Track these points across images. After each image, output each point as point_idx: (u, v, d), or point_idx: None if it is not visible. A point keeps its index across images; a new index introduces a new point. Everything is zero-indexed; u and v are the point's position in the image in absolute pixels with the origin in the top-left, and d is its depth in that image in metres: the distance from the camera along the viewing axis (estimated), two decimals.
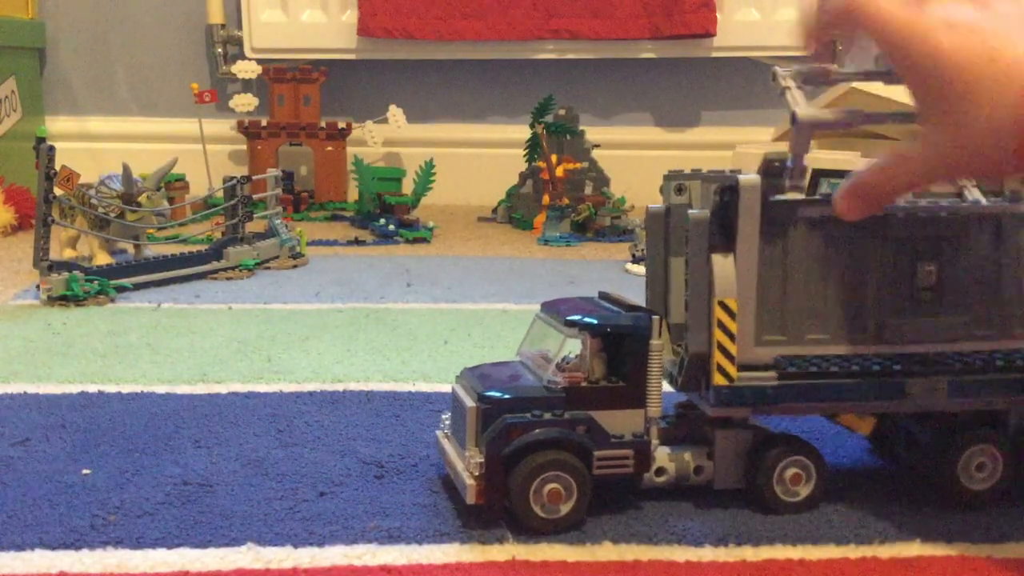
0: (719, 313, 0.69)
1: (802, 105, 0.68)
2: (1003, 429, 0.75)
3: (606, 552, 0.68)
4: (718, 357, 0.70)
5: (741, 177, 0.69)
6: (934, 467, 0.75)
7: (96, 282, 1.44)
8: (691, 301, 0.71)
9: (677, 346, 0.78)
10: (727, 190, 0.69)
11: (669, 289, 0.81)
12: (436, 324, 1.31)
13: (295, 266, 1.72)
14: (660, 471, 0.74)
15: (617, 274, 1.69)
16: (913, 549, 0.69)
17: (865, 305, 0.73)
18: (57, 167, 1.43)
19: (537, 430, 0.69)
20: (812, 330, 0.73)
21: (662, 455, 0.74)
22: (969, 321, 0.74)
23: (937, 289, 0.73)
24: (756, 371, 0.71)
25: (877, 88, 1.97)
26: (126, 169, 1.60)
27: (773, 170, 0.69)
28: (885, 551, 0.69)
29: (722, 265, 0.70)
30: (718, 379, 0.70)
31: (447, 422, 0.79)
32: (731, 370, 0.70)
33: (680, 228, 0.76)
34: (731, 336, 0.70)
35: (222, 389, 1.02)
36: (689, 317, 0.71)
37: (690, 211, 0.71)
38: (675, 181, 0.80)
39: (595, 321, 0.72)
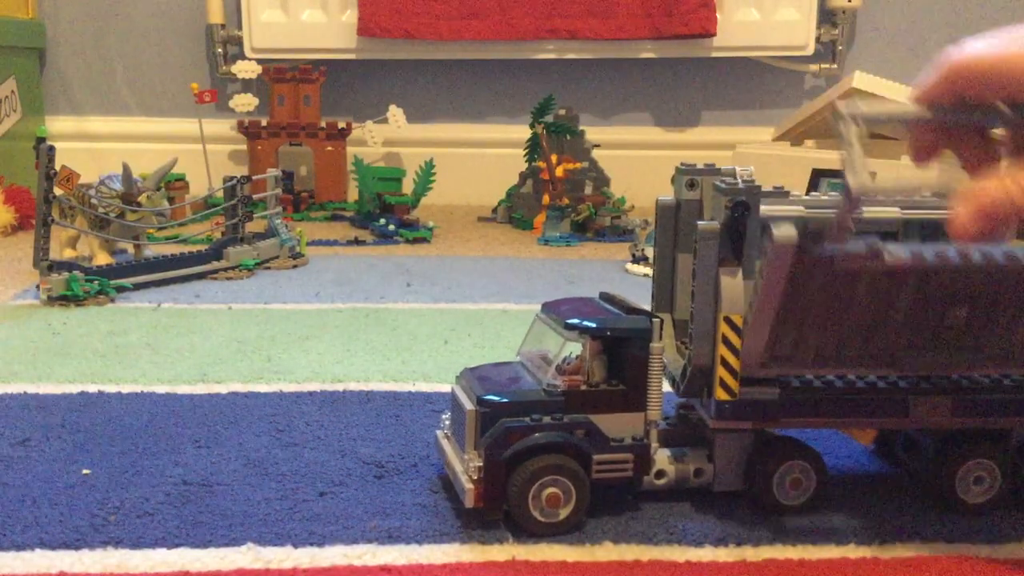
0: (724, 328, 0.69)
1: (860, 171, 0.58)
2: (1005, 444, 0.75)
3: (606, 552, 0.68)
4: (721, 372, 0.69)
5: (775, 230, 0.62)
6: (932, 476, 0.75)
7: (96, 282, 1.44)
8: (696, 313, 0.70)
9: (681, 343, 0.77)
10: (739, 205, 0.68)
11: (676, 284, 0.81)
12: (436, 324, 1.31)
13: (295, 266, 1.72)
14: (660, 474, 0.74)
15: (617, 274, 1.68)
16: (913, 550, 0.69)
17: (883, 344, 0.70)
18: (57, 167, 1.43)
19: (536, 434, 0.69)
20: (823, 365, 0.71)
21: (662, 458, 0.74)
22: (986, 356, 0.72)
23: (961, 331, 0.70)
24: (759, 385, 0.71)
25: (878, 87, 1.97)
26: (126, 169, 1.60)
27: (814, 236, 0.63)
28: (885, 552, 0.69)
29: (730, 281, 0.69)
30: (720, 394, 0.70)
31: (447, 422, 0.79)
32: (734, 385, 0.69)
33: (689, 224, 0.75)
34: (735, 351, 0.69)
35: (222, 389, 1.03)
36: (693, 329, 0.71)
37: (699, 222, 0.70)
38: (687, 176, 0.79)
39: (595, 324, 0.71)
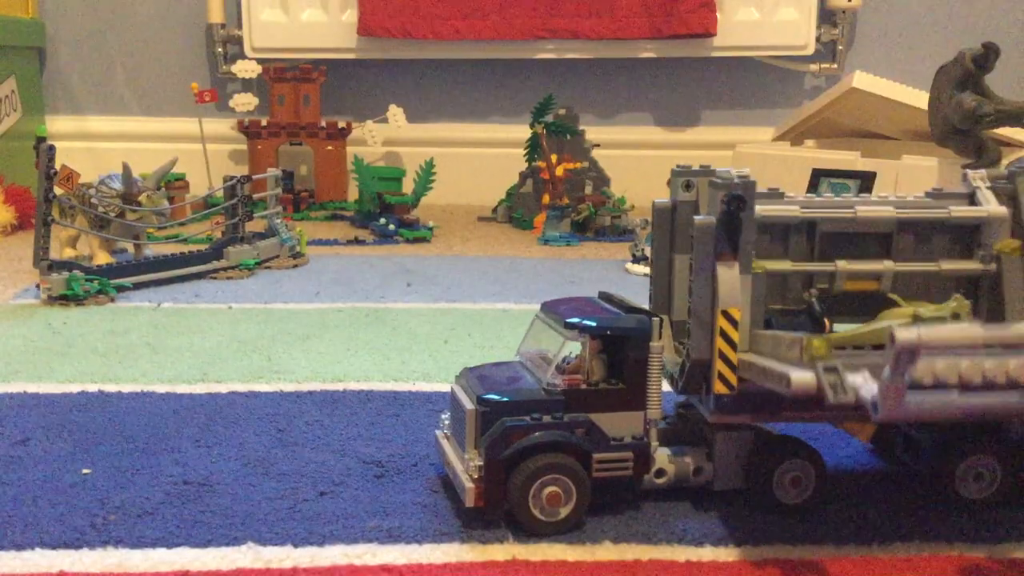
0: (722, 322, 0.69)
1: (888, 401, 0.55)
2: (1004, 439, 0.75)
3: (606, 552, 0.68)
4: (719, 365, 0.69)
5: (792, 376, 0.61)
6: (932, 473, 0.75)
7: (96, 281, 1.44)
8: (694, 308, 0.70)
9: (679, 344, 0.77)
10: (734, 199, 0.68)
11: (673, 286, 0.81)
12: (436, 324, 1.31)
13: (295, 266, 1.72)
14: (660, 472, 0.74)
15: (617, 274, 1.69)
16: (912, 549, 0.69)
17: None
18: (57, 166, 1.43)
19: (536, 433, 0.69)
20: None
21: (662, 456, 0.74)
22: None
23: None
24: None
25: (878, 87, 1.97)
26: (126, 168, 1.59)
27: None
28: (885, 551, 0.69)
29: (727, 275, 0.69)
30: (719, 387, 0.70)
31: (446, 422, 0.79)
32: (732, 378, 0.70)
33: (686, 225, 0.76)
34: (733, 345, 0.69)
35: (222, 389, 1.03)
36: (691, 323, 0.71)
37: (695, 217, 0.71)
38: (683, 177, 0.79)
39: (595, 323, 0.72)
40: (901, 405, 0.55)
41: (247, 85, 2.55)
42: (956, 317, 0.67)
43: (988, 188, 0.77)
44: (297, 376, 1.07)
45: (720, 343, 0.69)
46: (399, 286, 1.55)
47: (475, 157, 2.62)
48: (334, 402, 0.99)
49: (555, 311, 0.75)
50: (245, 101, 2.42)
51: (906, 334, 0.53)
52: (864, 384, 0.58)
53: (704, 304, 0.70)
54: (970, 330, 0.56)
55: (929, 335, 0.54)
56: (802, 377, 0.61)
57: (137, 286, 1.50)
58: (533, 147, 2.22)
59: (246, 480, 0.79)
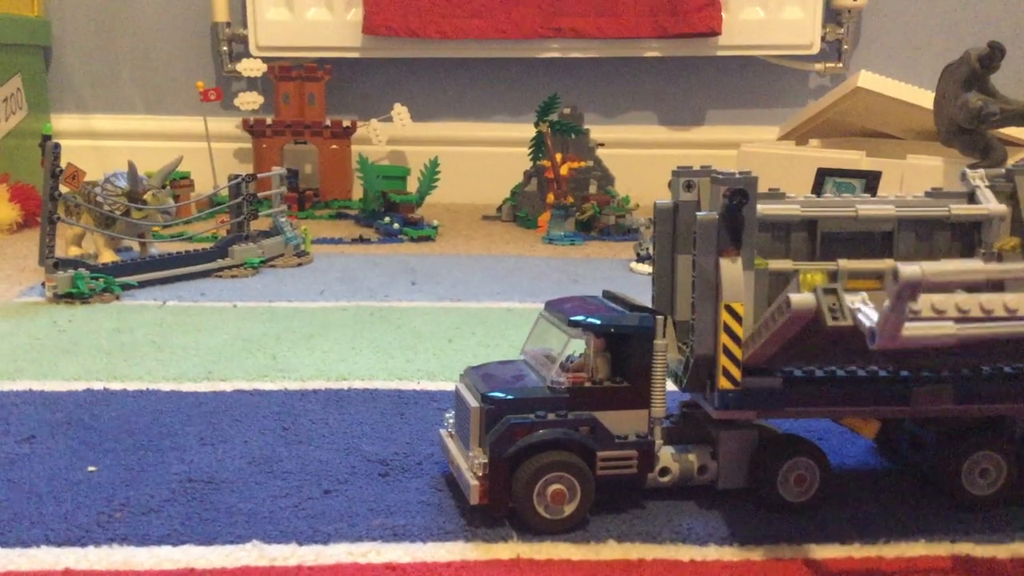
0: (725, 317, 0.69)
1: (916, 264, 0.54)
2: (1008, 436, 0.75)
3: (610, 551, 0.68)
4: (723, 361, 0.69)
5: (792, 299, 0.61)
6: (938, 471, 0.75)
7: (101, 279, 1.44)
8: (697, 304, 0.71)
9: (683, 344, 0.78)
10: (736, 193, 0.68)
11: (675, 286, 0.81)
12: (440, 322, 1.31)
13: (300, 264, 1.72)
14: (664, 471, 0.74)
15: (621, 273, 1.69)
16: (917, 549, 0.69)
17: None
18: (63, 164, 1.43)
19: (540, 431, 0.70)
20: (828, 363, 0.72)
21: (666, 455, 0.74)
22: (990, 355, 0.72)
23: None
24: (762, 375, 0.71)
25: (883, 86, 1.97)
26: (131, 167, 1.60)
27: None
28: (889, 551, 0.69)
29: (730, 269, 0.69)
30: (723, 383, 0.70)
31: (451, 420, 0.79)
32: (736, 374, 0.70)
33: (688, 225, 0.76)
34: (737, 340, 0.69)
35: (227, 387, 1.03)
36: (695, 319, 0.71)
37: (698, 213, 0.71)
38: (684, 178, 0.79)
39: (599, 321, 0.72)
40: (898, 336, 0.56)
41: (252, 84, 2.55)
42: None
43: (987, 187, 0.77)
44: (302, 374, 1.07)
45: (724, 338, 0.69)
46: (403, 285, 1.55)
47: (479, 156, 2.62)
48: (339, 400, 0.99)
49: (559, 310, 0.75)
50: (250, 100, 2.42)
51: (910, 269, 0.53)
52: (863, 309, 0.58)
53: (707, 301, 0.70)
54: (973, 265, 0.55)
55: (933, 270, 0.53)
56: (802, 298, 0.61)
57: (142, 284, 1.51)
58: (538, 146, 2.22)
59: (251, 478, 0.79)
